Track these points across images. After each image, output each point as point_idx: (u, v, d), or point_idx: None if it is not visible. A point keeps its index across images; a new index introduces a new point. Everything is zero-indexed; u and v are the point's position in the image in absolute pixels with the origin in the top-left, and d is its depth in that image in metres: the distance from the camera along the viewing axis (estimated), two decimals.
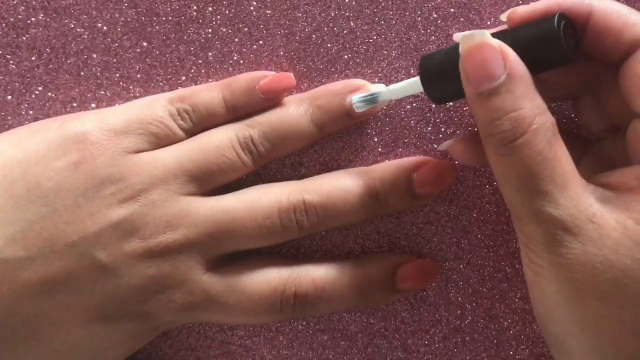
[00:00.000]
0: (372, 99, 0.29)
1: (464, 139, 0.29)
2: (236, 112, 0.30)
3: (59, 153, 0.28)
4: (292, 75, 0.30)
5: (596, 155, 0.29)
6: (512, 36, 0.25)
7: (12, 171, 0.27)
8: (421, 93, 0.28)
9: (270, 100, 0.30)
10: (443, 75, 0.26)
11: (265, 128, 0.30)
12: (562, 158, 0.23)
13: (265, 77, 0.30)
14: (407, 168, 0.30)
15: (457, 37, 0.30)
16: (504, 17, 0.27)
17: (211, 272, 0.29)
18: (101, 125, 0.28)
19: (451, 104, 0.32)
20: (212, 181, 0.29)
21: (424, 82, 0.27)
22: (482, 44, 0.24)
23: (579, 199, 0.23)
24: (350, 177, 0.30)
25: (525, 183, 0.23)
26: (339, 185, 0.30)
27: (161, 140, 0.29)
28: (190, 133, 0.30)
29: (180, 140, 0.29)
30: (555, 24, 0.24)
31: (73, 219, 0.27)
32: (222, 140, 0.29)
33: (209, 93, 0.30)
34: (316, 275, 0.30)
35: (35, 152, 0.28)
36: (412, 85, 0.28)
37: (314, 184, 0.30)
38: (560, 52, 0.24)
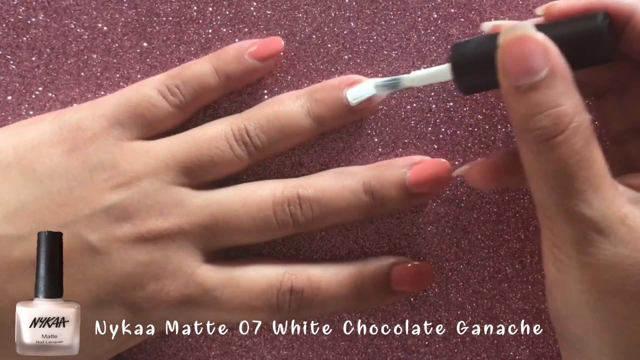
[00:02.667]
0: (393, 84, 0.29)
1: (479, 164, 0.29)
2: (228, 81, 0.30)
3: (53, 140, 0.28)
4: (279, 38, 0.31)
5: (616, 156, 0.28)
6: (553, 30, 0.24)
7: (7, 156, 0.28)
8: (447, 82, 0.27)
9: (261, 62, 0.30)
10: (476, 64, 0.25)
11: (261, 120, 0.29)
12: (597, 158, 0.23)
13: (254, 45, 0.30)
14: (401, 166, 0.30)
15: (486, 26, 0.29)
16: (540, 11, 0.26)
17: (206, 265, 0.29)
18: (93, 113, 0.29)
19: (451, 104, 0.32)
20: (204, 173, 0.29)
21: (455, 70, 0.26)
22: (524, 36, 0.23)
23: (611, 199, 0.23)
24: (345, 173, 0.30)
25: (560, 181, 0.23)
26: (334, 180, 0.30)
27: (151, 122, 0.29)
28: (183, 109, 0.30)
29: (172, 117, 0.29)
30: (600, 21, 0.23)
31: (65, 202, 0.27)
32: (215, 132, 0.29)
33: (199, 65, 0.30)
34: (312, 272, 0.30)
35: (30, 139, 0.28)
36: (438, 72, 0.28)
37: (309, 180, 0.30)
38: (603, 50, 0.24)
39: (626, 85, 0.27)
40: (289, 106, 0.30)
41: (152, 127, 0.29)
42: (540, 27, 0.24)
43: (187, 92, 0.29)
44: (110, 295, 0.28)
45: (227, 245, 0.30)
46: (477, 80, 0.26)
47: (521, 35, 0.23)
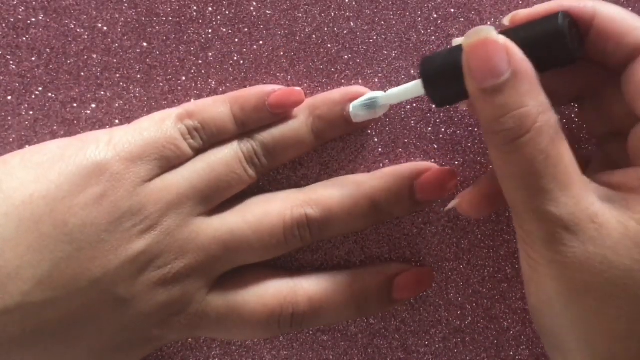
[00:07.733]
0: (370, 104, 0.29)
1: (468, 195, 0.29)
2: (245, 127, 0.30)
3: (82, 187, 0.27)
4: (301, 90, 0.30)
5: (602, 158, 0.29)
6: (516, 34, 0.24)
7: (39, 207, 0.27)
8: (422, 96, 0.28)
9: (279, 115, 0.30)
10: (445, 76, 0.26)
11: (267, 140, 0.30)
12: (564, 156, 0.23)
13: (274, 91, 0.30)
14: (408, 176, 0.30)
15: (456, 42, 0.30)
16: (506, 21, 0.26)
17: (213, 292, 0.30)
18: (119, 153, 0.28)
19: None
20: (220, 197, 0.30)
21: (425, 84, 0.26)
22: (486, 39, 0.23)
23: (580, 197, 0.23)
24: (352, 187, 0.30)
25: (527, 181, 0.23)
26: (341, 197, 0.30)
27: (172, 162, 0.29)
28: (199, 151, 0.30)
29: (189, 159, 0.29)
30: (560, 20, 0.24)
31: (96, 254, 0.27)
32: (229, 157, 0.29)
33: (218, 109, 0.30)
34: (312, 291, 0.30)
35: (57, 185, 0.27)
36: (412, 88, 0.28)
37: (316, 195, 0.30)
38: (565, 48, 0.24)
39: (599, 90, 0.28)
40: (293, 125, 0.30)
41: (169, 167, 0.29)
42: (504, 32, 0.24)
43: (205, 136, 0.29)
44: (129, 337, 0.28)
45: (232, 268, 0.30)
46: (448, 92, 0.26)
47: (483, 38, 0.24)
